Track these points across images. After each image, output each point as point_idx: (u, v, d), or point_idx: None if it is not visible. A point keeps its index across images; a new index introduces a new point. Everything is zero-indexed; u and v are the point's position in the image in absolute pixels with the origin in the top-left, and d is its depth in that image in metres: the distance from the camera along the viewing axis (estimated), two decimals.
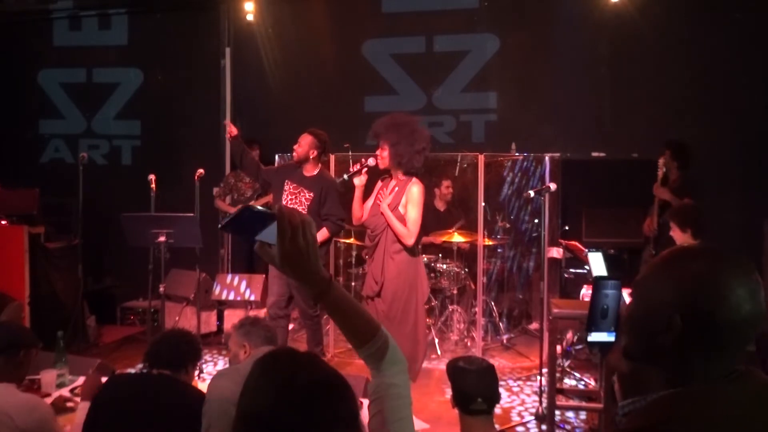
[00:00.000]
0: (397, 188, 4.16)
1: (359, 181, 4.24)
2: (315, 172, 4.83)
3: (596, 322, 1.50)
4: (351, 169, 4.32)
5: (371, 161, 4.21)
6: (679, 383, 1.11)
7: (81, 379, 3.28)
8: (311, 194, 4.75)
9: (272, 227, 1.16)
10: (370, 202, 4.32)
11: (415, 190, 4.09)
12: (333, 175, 5.17)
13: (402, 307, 4.08)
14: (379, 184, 4.34)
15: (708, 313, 1.09)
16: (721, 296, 1.09)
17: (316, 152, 4.80)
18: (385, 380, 1.31)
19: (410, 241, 4.06)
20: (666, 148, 5.24)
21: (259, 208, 1.18)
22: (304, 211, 4.62)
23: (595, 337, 1.49)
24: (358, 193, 4.27)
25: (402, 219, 4.07)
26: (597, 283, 1.52)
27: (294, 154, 4.88)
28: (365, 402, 3.02)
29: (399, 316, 4.07)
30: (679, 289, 1.12)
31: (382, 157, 4.13)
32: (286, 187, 4.82)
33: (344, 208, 4.72)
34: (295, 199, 4.78)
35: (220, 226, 1.20)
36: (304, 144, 4.80)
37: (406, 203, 4.08)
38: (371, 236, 4.22)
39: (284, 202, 4.69)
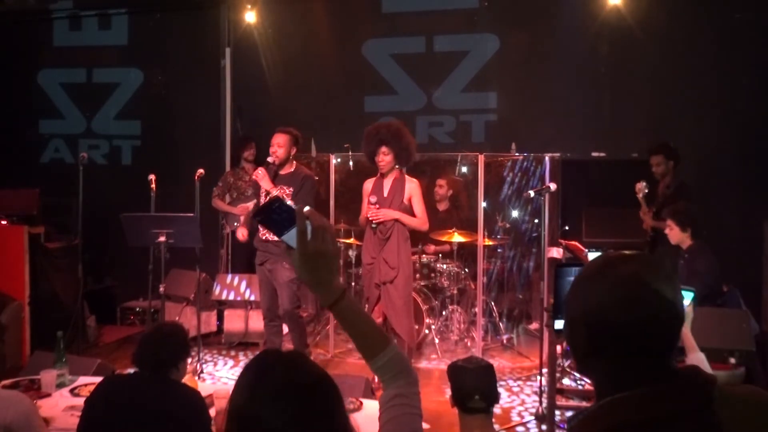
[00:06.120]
0: (396, 184, 4.70)
1: None
2: (292, 170, 4.77)
3: (561, 310, 1.42)
4: None
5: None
6: (611, 392, 1.07)
7: (81, 379, 3.28)
8: (290, 189, 4.67)
9: (294, 230, 1.19)
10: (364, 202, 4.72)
11: (414, 185, 4.74)
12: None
13: (409, 287, 4.75)
14: (368, 185, 4.76)
15: (609, 316, 1.06)
16: (624, 298, 1.06)
17: (294, 150, 4.76)
18: (395, 391, 1.33)
19: (427, 225, 4.83)
20: (658, 152, 5.28)
21: (289, 203, 1.20)
22: None
23: (560, 325, 1.42)
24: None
25: (409, 211, 4.67)
26: (558, 271, 1.45)
27: (273, 157, 4.63)
28: (365, 402, 3.03)
29: (408, 296, 4.72)
30: (586, 299, 1.11)
31: (386, 161, 4.62)
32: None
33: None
34: None
35: (253, 214, 1.21)
36: (284, 144, 4.67)
37: (410, 197, 4.68)
38: (383, 230, 4.62)
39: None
